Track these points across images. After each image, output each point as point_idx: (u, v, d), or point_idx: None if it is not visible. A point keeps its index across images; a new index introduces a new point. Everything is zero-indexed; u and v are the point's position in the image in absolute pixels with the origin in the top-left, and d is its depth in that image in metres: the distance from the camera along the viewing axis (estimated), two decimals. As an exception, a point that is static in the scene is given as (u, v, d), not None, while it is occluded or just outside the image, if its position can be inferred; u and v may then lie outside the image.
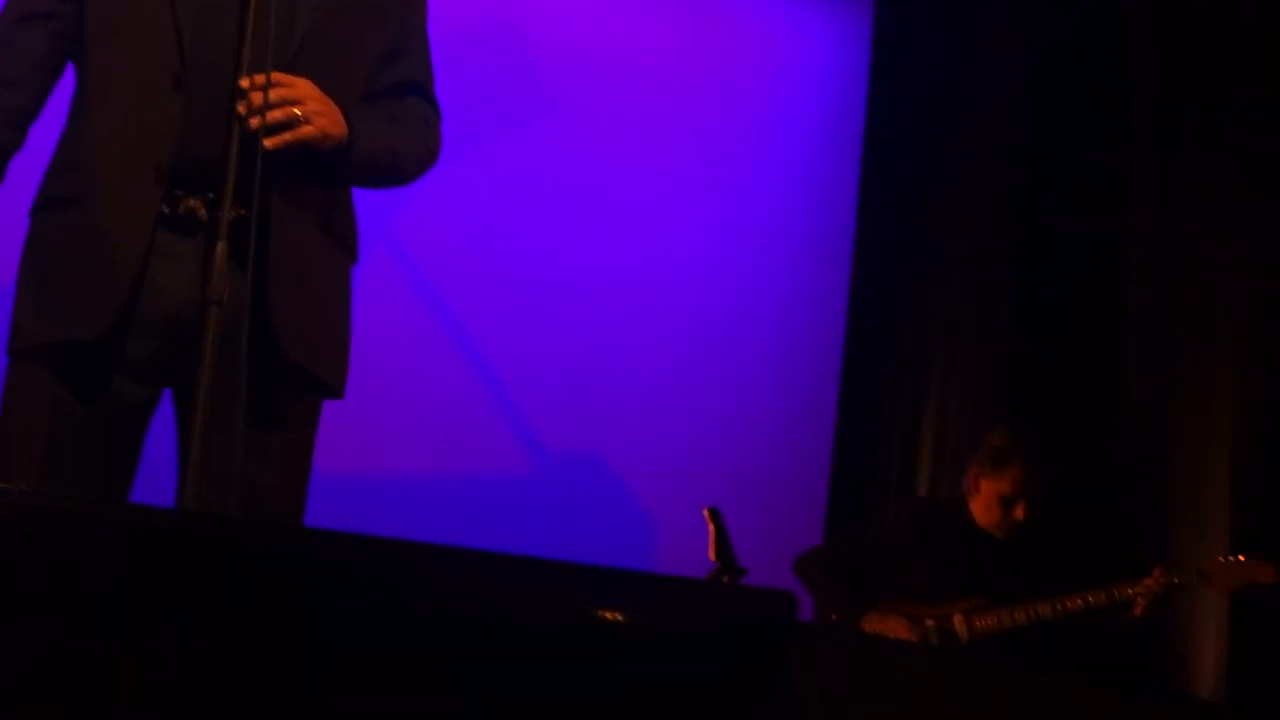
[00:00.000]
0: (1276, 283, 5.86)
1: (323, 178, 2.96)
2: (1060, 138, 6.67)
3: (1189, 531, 5.87)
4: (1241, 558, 5.03)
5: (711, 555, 4.61)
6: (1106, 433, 6.18)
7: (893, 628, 5.15)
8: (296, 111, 2.81)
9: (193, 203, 2.81)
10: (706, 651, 1.92)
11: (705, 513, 4.67)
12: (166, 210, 2.81)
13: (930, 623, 5.14)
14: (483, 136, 6.39)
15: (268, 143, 2.75)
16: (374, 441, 5.93)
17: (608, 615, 1.88)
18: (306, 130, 2.83)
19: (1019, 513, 5.20)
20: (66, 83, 3.02)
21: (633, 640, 1.89)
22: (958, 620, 5.13)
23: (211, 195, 2.74)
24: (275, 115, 2.77)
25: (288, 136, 2.80)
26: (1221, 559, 5.11)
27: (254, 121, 2.70)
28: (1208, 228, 6.10)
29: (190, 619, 1.71)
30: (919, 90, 7.09)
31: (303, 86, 2.84)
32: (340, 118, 2.90)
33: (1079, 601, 5.01)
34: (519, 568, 1.93)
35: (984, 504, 5.26)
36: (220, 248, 2.53)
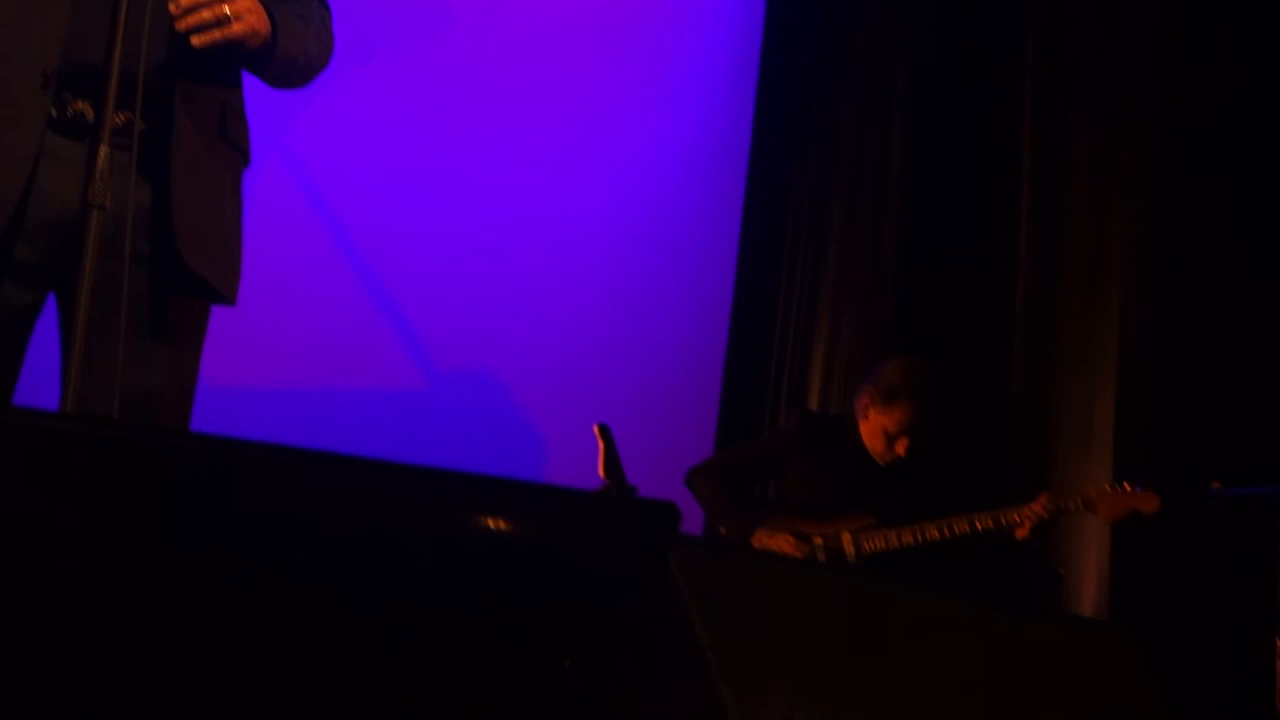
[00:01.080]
0: (1162, 204, 5.94)
1: (221, 79, 2.93)
2: (953, 53, 6.70)
3: (1074, 451, 5.95)
4: (1128, 487, 5.11)
5: (601, 472, 4.63)
6: (994, 353, 6.25)
7: (780, 544, 5.19)
8: (226, 10, 2.78)
9: (81, 105, 2.77)
10: (588, 561, 1.93)
11: (595, 430, 4.68)
12: (55, 113, 2.77)
13: (818, 540, 5.19)
14: (383, 48, 6.34)
15: (196, 41, 2.74)
16: (264, 355, 5.89)
17: (490, 523, 1.88)
18: (236, 28, 2.81)
19: (900, 449, 5.25)
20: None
21: (514, 549, 1.90)
22: (846, 539, 5.18)
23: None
24: (204, 15, 2.75)
25: (216, 35, 2.79)
26: (1108, 487, 5.18)
27: (179, 25, 2.69)
28: (1096, 149, 6.16)
29: (69, 524, 1.70)
30: (815, 9, 7.10)
31: None
32: (265, 15, 2.88)
33: (966, 525, 5.08)
34: (403, 475, 1.93)
35: (869, 432, 5.31)
36: (103, 151, 2.50)
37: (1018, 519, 5.05)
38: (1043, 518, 5.06)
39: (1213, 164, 5.85)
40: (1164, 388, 5.81)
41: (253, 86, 3.08)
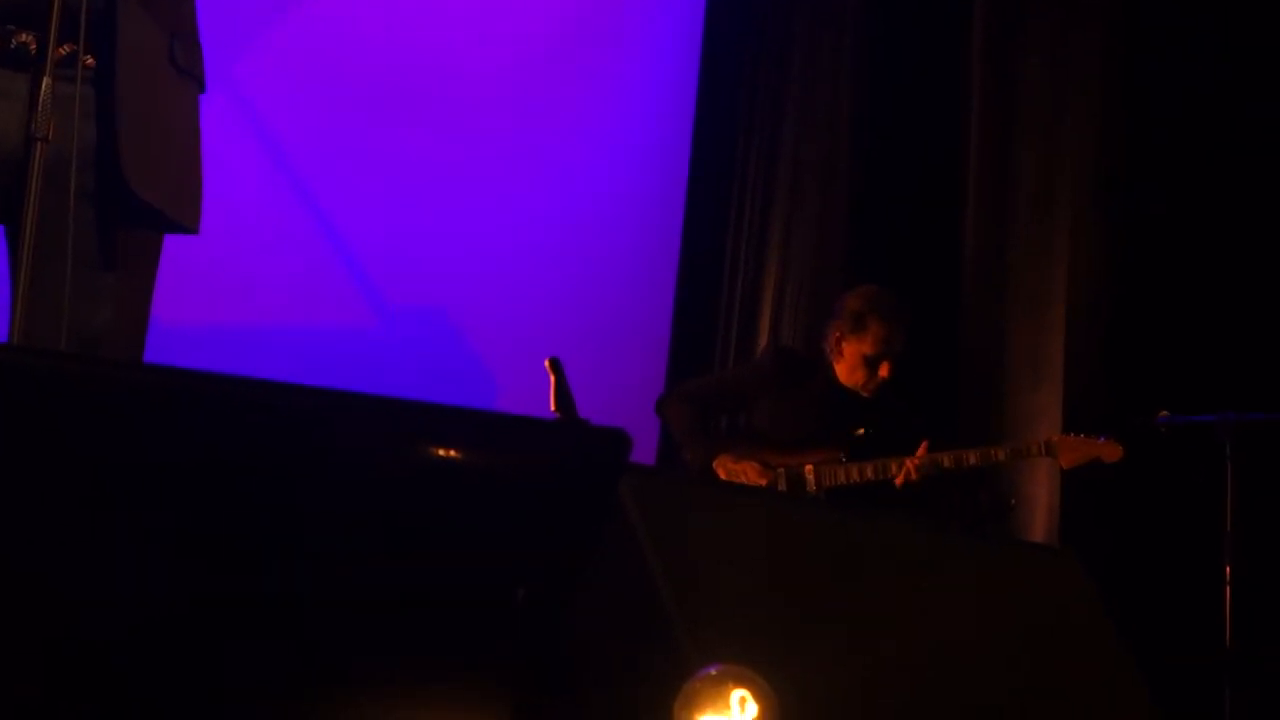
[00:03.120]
0: (1110, 146, 5.96)
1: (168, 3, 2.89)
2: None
3: (1024, 383, 6.00)
4: (1092, 437, 5.16)
5: (552, 406, 4.63)
6: (946, 291, 6.27)
7: (745, 470, 5.23)
8: None
9: (25, 37, 2.73)
10: (538, 489, 1.93)
11: (546, 364, 4.68)
12: None
13: (781, 469, 5.23)
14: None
15: None
16: (218, 292, 5.87)
17: (440, 451, 1.88)
18: None
19: (884, 371, 5.27)
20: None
21: (464, 477, 1.90)
22: (808, 471, 5.21)
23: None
24: None
25: None
26: (1070, 435, 5.22)
27: None
28: (1046, 92, 6.18)
29: (15, 454, 1.69)
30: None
31: None
32: None
33: (927, 463, 5.11)
34: (355, 403, 1.92)
35: (849, 366, 5.32)
36: (46, 83, 2.48)
37: (979, 461, 5.11)
38: (1004, 459, 5.15)
39: (1165, 88, 5.87)
40: (1112, 318, 5.85)
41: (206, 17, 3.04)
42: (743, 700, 1.95)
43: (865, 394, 5.32)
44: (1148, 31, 5.97)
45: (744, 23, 7.03)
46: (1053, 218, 6.05)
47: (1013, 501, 5.70)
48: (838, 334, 5.33)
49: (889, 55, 6.63)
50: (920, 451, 5.08)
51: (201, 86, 3.03)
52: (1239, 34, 5.81)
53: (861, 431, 5.25)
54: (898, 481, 5.09)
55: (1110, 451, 5.10)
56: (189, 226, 2.95)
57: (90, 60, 2.73)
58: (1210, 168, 5.81)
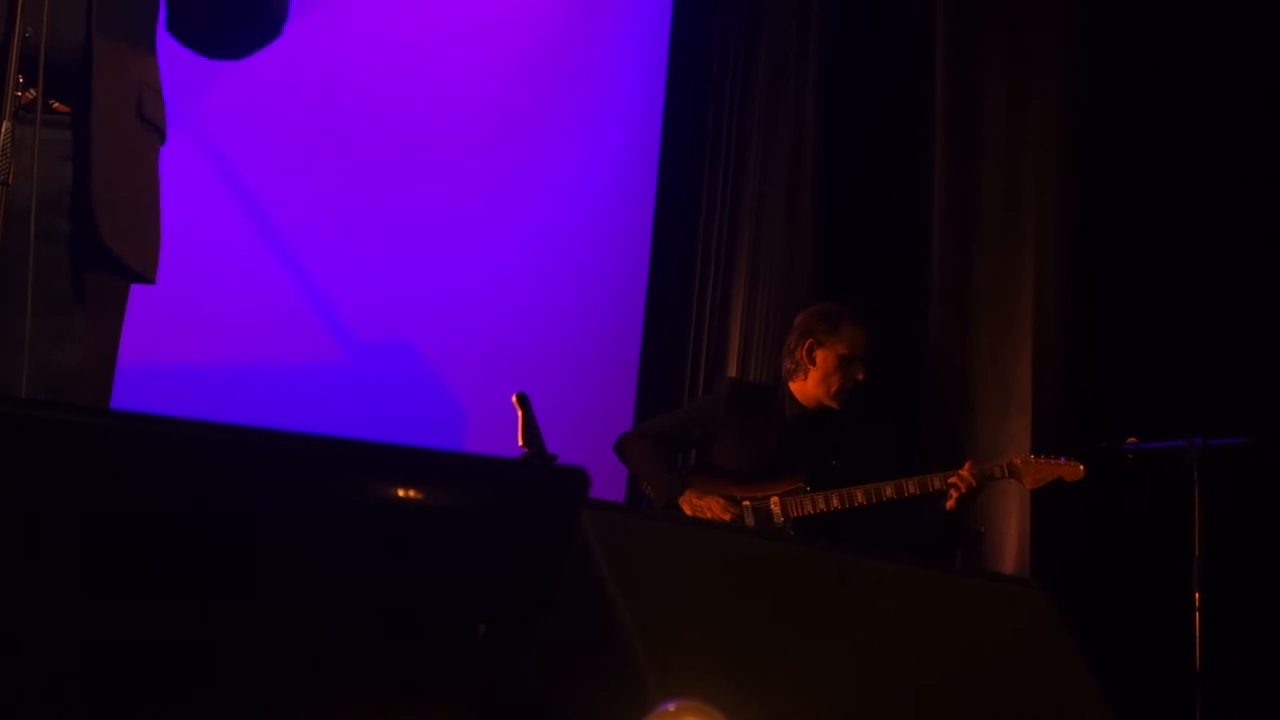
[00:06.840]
0: (1071, 169, 5.99)
1: (139, 54, 2.90)
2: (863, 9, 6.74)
3: (993, 412, 6.01)
4: (1054, 457, 5.19)
5: (520, 441, 4.63)
6: (913, 316, 6.29)
7: (710, 506, 5.23)
8: None
9: None
10: (497, 526, 1.94)
11: (514, 399, 4.68)
12: None
13: (747, 504, 5.23)
14: (301, 19, 6.32)
15: None
16: (186, 332, 5.87)
17: (398, 491, 1.89)
18: None
19: (860, 373, 5.29)
20: None
21: (422, 516, 1.90)
22: (774, 503, 5.22)
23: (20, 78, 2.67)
24: None
25: None
26: (1033, 456, 5.26)
27: None
28: (1008, 118, 6.21)
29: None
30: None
31: None
32: None
33: (892, 490, 5.12)
34: (312, 445, 1.93)
35: (821, 374, 5.31)
36: (5, 127, 2.48)
37: (944, 485, 5.11)
38: (971, 485, 5.14)
39: (1127, 116, 5.91)
40: (1079, 346, 5.88)
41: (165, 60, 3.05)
42: (702, 735, 1.95)
43: (836, 405, 5.32)
44: (1105, 64, 6.02)
45: (708, 65, 7.06)
46: (1018, 245, 6.08)
47: (982, 529, 5.72)
48: (809, 342, 5.33)
49: (852, 94, 6.66)
50: (888, 488, 5.11)
51: (163, 138, 3.04)
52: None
53: (828, 456, 5.27)
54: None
55: (1071, 471, 5.14)
56: (147, 278, 2.96)
57: (58, 104, 2.74)
58: (1176, 193, 5.85)
